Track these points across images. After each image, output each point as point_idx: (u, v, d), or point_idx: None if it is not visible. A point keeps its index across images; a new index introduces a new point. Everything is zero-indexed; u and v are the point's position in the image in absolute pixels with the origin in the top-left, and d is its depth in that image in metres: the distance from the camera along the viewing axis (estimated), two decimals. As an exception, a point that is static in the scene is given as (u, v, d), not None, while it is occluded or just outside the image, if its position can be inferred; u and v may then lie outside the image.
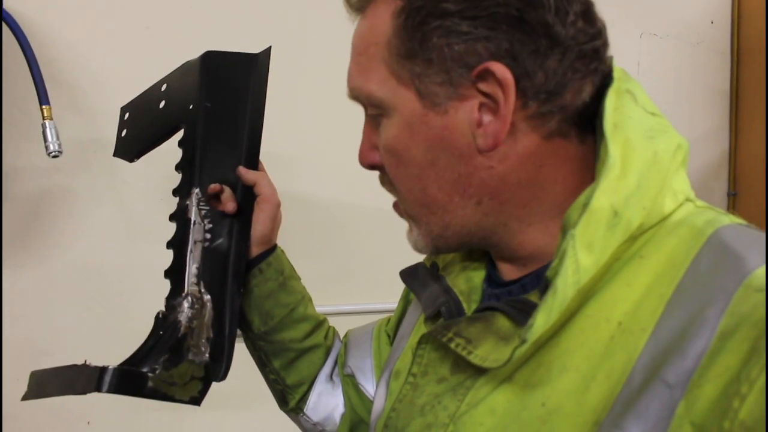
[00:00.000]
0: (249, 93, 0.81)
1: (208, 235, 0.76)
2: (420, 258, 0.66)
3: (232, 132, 0.80)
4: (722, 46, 1.69)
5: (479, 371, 0.51)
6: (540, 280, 0.51)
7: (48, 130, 1.03)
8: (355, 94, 0.55)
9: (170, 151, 0.82)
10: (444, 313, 0.58)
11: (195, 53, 0.84)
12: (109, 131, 0.91)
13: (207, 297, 0.73)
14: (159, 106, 0.85)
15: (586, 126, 0.51)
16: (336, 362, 0.83)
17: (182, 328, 0.71)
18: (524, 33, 0.47)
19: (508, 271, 0.56)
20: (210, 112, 0.80)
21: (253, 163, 0.80)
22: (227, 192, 0.77)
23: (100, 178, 1.22)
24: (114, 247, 1.23)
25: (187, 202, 0.77)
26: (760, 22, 1.62)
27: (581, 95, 0.49)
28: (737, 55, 1.70)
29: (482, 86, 0.48)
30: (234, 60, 0.82)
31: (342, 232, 1.39)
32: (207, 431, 1.31)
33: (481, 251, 0.61)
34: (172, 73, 0.86)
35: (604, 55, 0.51)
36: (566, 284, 0.43)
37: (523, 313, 0.48)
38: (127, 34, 1.22)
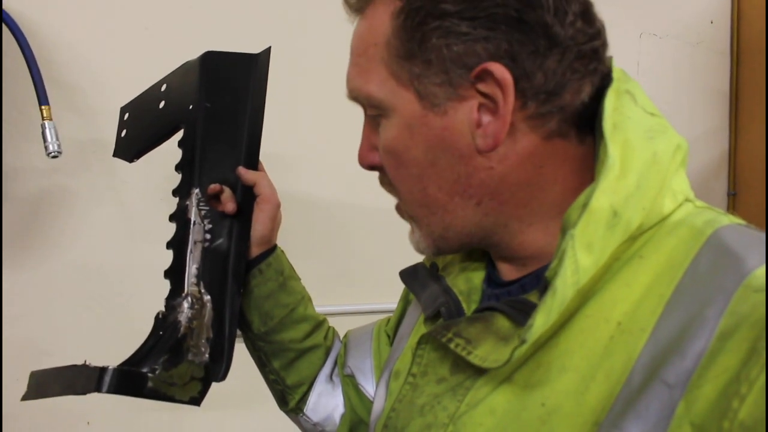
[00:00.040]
0: (249, 93, 0.81)
1: (208, 236, 0.76)
2: (419, 258, 0.66)
3: (232, 132, 0.80)
4: (722, 46, 1.69)
5: (479, 371, 0.51)
6: (539, 281, 0.52)
7: (47, 131, 1.03)
8: (355, 95, 0.55)
9: (170, 151, 0.82)
10: (443, 314, 0.58)
11: (195, 53, 0.84)
12: (108, 131, 0.91)
13: (207, 297, 0.73)
14: (159, 106, 0.85)
15: (586, 126, 0.51)
16: (336, 362, 0.83)
17: (182, 329, 0.71)
18: (523, 33, 0.47)
19: (508, 272, 0.56)
20: (210, 113, 0.80)
21: (253, 164, 0.80)
22: (227, 192, 0.77)
23: (99, 178, 1.21)
24: (114, 248, 1.23)
25: (187, 203, 0.77)
26: (760, 22, 1.62)
27: (580, 95, 0.49)
28: (737, 55, 1.70)
29: (481, 87, 0.48)
30: (234, 60, 0.82)
31: (342, 232, 1.39)
32: (207, 431, 1.31)
33: (480, 251, 0.61)
34: (171, 73, 0.86)
35: (603, 55, 0.51)
36: (565, 284, 0.43)
37: (522, 314, 0.48)
38: (126, 35, 1.22)
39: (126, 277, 1.23)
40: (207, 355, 0.71)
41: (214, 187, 0.77)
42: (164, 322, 0.73)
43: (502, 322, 0.50)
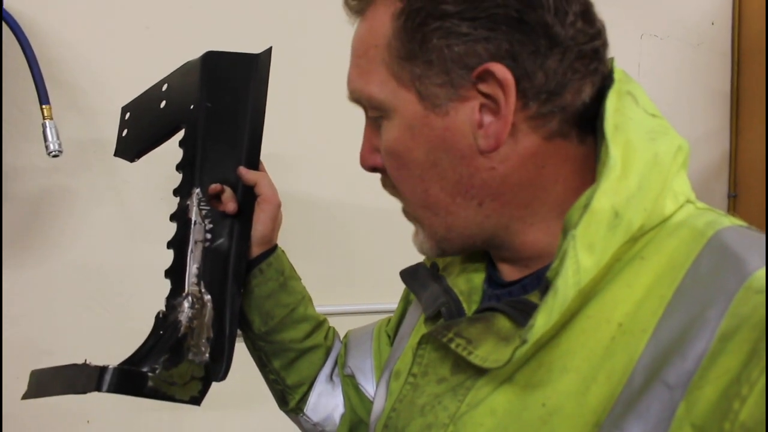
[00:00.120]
0: (250, 93, 0.81)
1: (209, 235, 0.76)
2: (420, 258, 0.66)
3: (233, 132, 0.80)
4: (723, 47, 1.69)
5: (479, 372, 0.51)
6: (540, 281, 0.51)
7: (48, 130, 1.03)
8: (356, 97, 0.55)
9: (171, 151, 0.82)
10: (444, 314, 0.58)
11: (195, 53, 0.84)
12: (109, 131, 0.91)
13: (207, 297, 0.73)
14: (160, 106, 0.85)
15: (586, 127, 0.51)
16: (336, 363, 0.83)
17: (182, 328, 0.71)
18: (524, 34, 0.47)
19: (509, 272, 0.56)
20: (211, 112, 0.80)
21: (254, 164, 0.80)
22: (228, 192, 0.77)
23: (100, 178, 1.22)
24: (114, 247, 1.23)
25: (188, 202, 0.77)
26: (761, 23, 1.62)
27: (581, 96, 0.49)
28: (738, 56, 1.69)
29: (483, 87, 0.48)
30: (235, 60, 0.82)
31: (342, 232, 1.39)
32: (207, 431, 1.31)
33: (481, 252, 0.61)
34: (172, 73, 0.86)
35: (603, 55, 0.51)
36: (567, 285, 0.43)
37: (523, 314, 0.48)
38: (127, 34, 1.22)
39: (126, 277, 1.23)
40: (207, 355, 0.71)
41: (214, 186, 0.77)
42: (165, 322, 0.73)
43: (503, 323, 0.50)
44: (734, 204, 1.70)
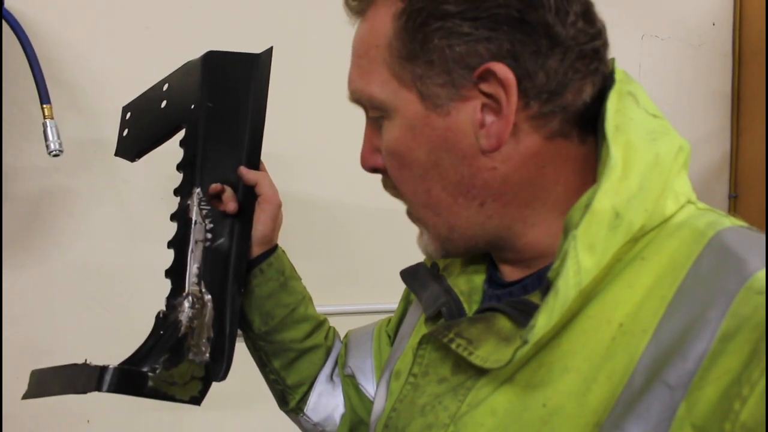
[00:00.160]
0: (250, 93, 0.81)
1: (209, 235, 0.76)
2: (420, 258, 0.65)
3: (234, 132, 0.80)
4: (724, 48, 1.69)
5: (480, 372, 0.51)
6: (541, 281, 0.52)
7: (49, 129, 1.03)
8: (357, 97, 0.55)
9: (171, 150, 0.82)
10: (445, 314, 0.58)
11: (195, 53, 0.84)
12: (109, 131, 0.91)
13: (208, 297, 0.73)
14: (160, 105, 0.85)
15: (587, 127, 0.52)
16: (336, 363, 0.83)
17: (183, 328, 0.71)
18: (525, 33, 0.47)
19: (510, 272, 0.56)
20: (211, 112, 0.80)
21: (255, 163, 0.80)
22: (228, 192, 0.77)
23: (100, 177, 1.21)
24: (114, 247, 1.23)
25: (189, 202, 0.77)
26: (762, 23, 1.62)
27: (582, 95, 0.49)
28: (739, 57, 1.69)
29: (484, 87, 0.48)
30: (235, 60, 0.82)
31: (343, 232, 1.39)
32: (207, 431, 1.31)
33: (482, 252, 0.61)
34: (173, 72, 0.86)
35: (604, 55, 0.51)
36: (568, 285, 0.43)
37: (524, 314, 0.48)
38: (127, 34, 1.22)
39: (127, 277, 1.23)
40: (207, 355, 0.71)
41: (215, 186, 0.77)
42: (165, 322, 0.73)
43: (504, 323, 0.50)
44: (735, 204, 1.70)
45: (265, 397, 0.85)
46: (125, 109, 0.91)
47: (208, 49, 0.83)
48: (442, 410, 0.52)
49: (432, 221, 0.54)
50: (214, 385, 0.71)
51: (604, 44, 0.51)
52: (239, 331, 0.76)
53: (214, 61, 0.82)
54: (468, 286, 0.60)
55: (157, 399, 0.67)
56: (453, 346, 0.51)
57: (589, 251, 0.44)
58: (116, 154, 0.89)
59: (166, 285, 0.75)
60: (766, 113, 1.60)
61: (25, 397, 0.68)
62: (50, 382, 0.67)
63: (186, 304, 0.72)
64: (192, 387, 0.69)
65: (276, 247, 0.80)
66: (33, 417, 1.20)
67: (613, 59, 0.53)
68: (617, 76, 0.51)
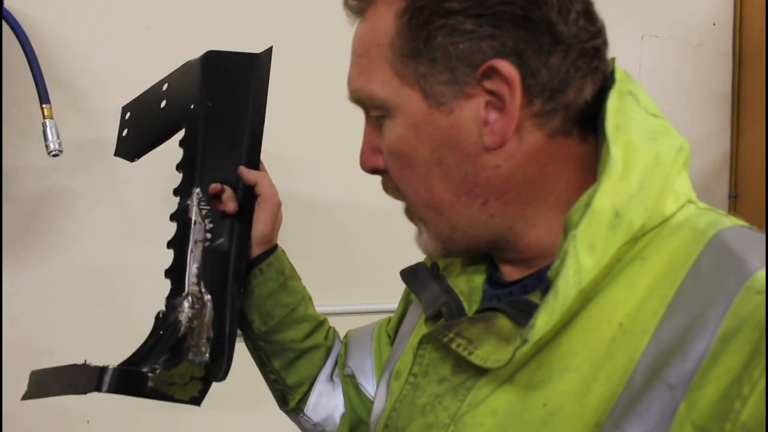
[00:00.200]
0: (250, 93, 0.81)
1: (209, 235, 0.76)
2: (420, 258, 0.65)
3: (233, 132, 0.80)
4: (724, 48, 1.69)
5: (480, 372, 0.51)
6: (541, 281, 0.51)
7: (48, 129, 1.03)
8: (357, 96, 0.55)
9: (171, 150, 0.82)
10: (445, 314, 0.58)
11: (195, 53, 0.84)
12: (109, 131, 0.91)
13: (207, 297, 0.73)
14: (160, 105, 0.85)
15: (587, 126, 0.52)
16: (336, 362, 0.83)
17: (182, 328, 0.71)
18: (528, 31, 0.47)
19: (510, 272, 0.56)
20: (211, 112, 0.80)
21: (254, 163, 0.80)
22: (228, 192, 0.77)
23: (100, 177, 1.21)
24: (114, 247, 1.23)
25: (188, 202, 0.77)
26: (762, 24, 1.62)
27: (583, 94, 0.50)
28: (739, 57, 1.69)
29: (488, 84, 0.48)
30: (235, 60, 0.82)
31: (342, 232, 1.39)
32: (207, 431, 1.31)
33: (482, 252, 0.60)
34: (173, 72, 0.86)
35: (604, 53, 0.51)
36: (568, 285, 0.43)
37: (524, 314, 0.48)
38: (127, 34, 1.22)
39: (126, 277, 1.23)
40: (207, 355, 0.71)
41: (215, 186, 0.77)
42: (165, 322, 0.72)
43: (504, 323, 0.50)
44: (735, 204, 1.70)
45: (265, 397, 0.85)
46: (125, 109, 0.91)
47: (208, 49, 0.83)
48: (442, 410, 0.52)
49: (434, 221, 0.54)
50: (214, 385, 0.71)
51: (604, 43, 0.51)
52: (239, 331, 0.76)
53: (213, 61, 0.82)
54: (468, 285, 0.60)
55: (157, 399, 0.67)
56: (453, 345, 0.51)
57: (589, 251, 0.44)
58: (116, 154, 0.89)
59: (166, 285, 0.75)
60: (766, 113, 1.60)
61: (25, 397, 0.68)
62: (50, 382, 0.67)
63: (186, 305, 0.72)
64: (192, 387, 0.69)
65: (276, 247, 0.80)
66: (33, 417, 1.20)
67: (613, 59, 0.53)
68: (617, 75, 0.51)
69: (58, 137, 1.03)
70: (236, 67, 0.82)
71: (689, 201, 0.50)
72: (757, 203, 1.64)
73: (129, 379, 0.65)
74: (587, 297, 0.47)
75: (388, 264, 0.89)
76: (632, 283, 0.46)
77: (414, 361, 0.58)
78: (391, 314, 0.80)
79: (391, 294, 0.87)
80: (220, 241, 0.76)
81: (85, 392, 0.63)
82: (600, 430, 0.43)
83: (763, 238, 0.44)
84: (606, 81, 0.52)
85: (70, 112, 1.18)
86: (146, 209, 1.23)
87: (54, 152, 1.03)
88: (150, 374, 0.66)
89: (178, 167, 0.80)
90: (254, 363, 0.82)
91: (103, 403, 0.93)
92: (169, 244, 0.77)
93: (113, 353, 0.71)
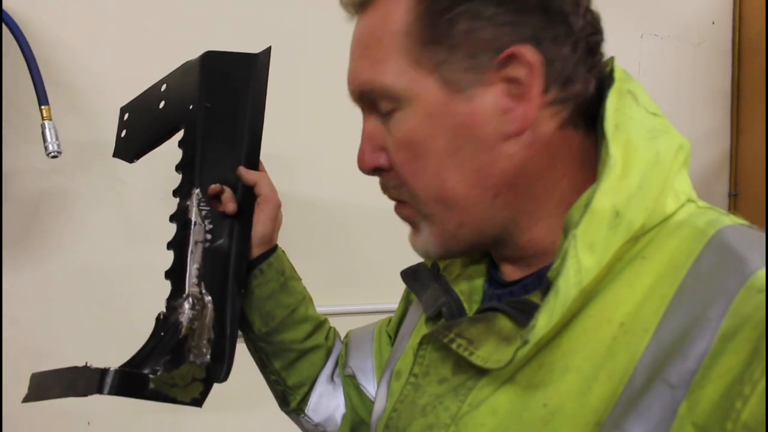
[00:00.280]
0: (249, 93, 0.81)
1: (209, 236, 0.76)
2: (421, 258, 0.65)
3: (232, 132, 0.80)
4: (723, 47, 1.69)
5: (481, 372, 0.51)
6: (541, 281, 0.51)
7: (47, 131, 1.03)
8: (365, 90, 0.53)
9: (170, 151, 0.82)
10: (445, 314, 0.58)
11: (194, 54, 0.84)
12: (108, 132, 0.91)
13: (208, 298, 0.73)
14: (159, 106, 0.85)
15: (590, 123, 0.52)
16: (337, 363, 0.83)
17: (183, 330, 0.71)
18: (545, 20, 0.48)
19: (510, 272, 0.56)
20: (210, 113, 0.80)
21: (254, 164, 0.80)
22: (227, 192, 0.77)
23: (99, 179, 1.21)
24: (114, 248, 1.23)
25: (188, 203, 0.77)
26: (761, 22, 1.62)
27: (588, 86, 0.50)
28: (738, 55, 1.69)
29: (508, 71, 0.48)
30: (234, 60, 0.82)
31: (342, 232, 1.39)
32: (207, 432, 1.32)
33: (482, 251, 0.60)
34: (171, 73, 0.86)
35: (601, 50, 0.52)
36: (568, 285, 0.43)
37: (524, 314, 0.48)
38: (125, 36, 1.22)
39: (126, 278, 1.23)
40: (208, 356, 0.71)
41: (214, 187, 0.77)
42: (165, 323, 0.72)
43: (504, 323, 0.50)
44: (735, 203, 1.70)
45: (266, 398, 0.85)
46: (123, 110, 0.90)
47: (207, 50, 0.83)
48: (443, 410, 0.52)
49: (442, 216, 0.53)
50: (215, 386, 0.71)
51: (602, 39, 0.52)
52: (240, 332, 0.76)
53: (212, 62, 0.82)
54: (468, 285, 0.60)
55: (158, 401, 0.67)
56: (453, 346, 0.51)
57: (590, 250, 0.44)
58: (114, 155, 0.88)
59: (166, 286, 0.75)
60: (766, 111, 1.60)
61: (26, 400, 0.68)
62: (50, 385, 0.67)
63: (186, 306, 0.72)
64: (193, 388, 0.69)
65: (276, 247, 0.79)
66: (33, 419, 1.20)
67: (612, 58, 0.53)
68: (616, 75, 0.51)
69: (57, 139, 1.03)
70: (235, 67, 0.82)
71: (689, 200, 0.50)
72: (757, 201, 1.64)
73: (130, 381, 0.65)
74: (588, 297, 0.46)
75: (388, 264, 0.89)
76: (633, 282, 0.46)
77: (414, 362, 0.58)
78: (392, 314, 0.80)
79: (391, 294, 0.87)
80: (220, 241, 0.76)
81: (86, 394, 0.63)
82: (600, 430, 0.42)
83: (763, 237, 0.44)
84: (605, 80, 0.52)
85: (69, 114, 1.18)
86: (146, 210, 1.23)
87: (53, 154, 1.03)
88: (151, 376, 0.66)
89: (178, 168, 0.80)
90: (255, 364, 0.82)
91: (104, 404, 0.93)
92: (169, 246, 0.77)
93: (113, 354, 0.71)
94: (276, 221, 0.79)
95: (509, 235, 0.53)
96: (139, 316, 0.83)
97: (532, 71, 0.47)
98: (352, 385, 0.79)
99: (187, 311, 0.72)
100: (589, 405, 0.44)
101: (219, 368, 0.71)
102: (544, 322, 0.43)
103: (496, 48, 0.48)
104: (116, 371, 0.64)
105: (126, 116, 0.90)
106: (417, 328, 0.65)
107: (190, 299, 0.73)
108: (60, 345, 1.20)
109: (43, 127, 1.03)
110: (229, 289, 0.74)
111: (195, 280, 0.74)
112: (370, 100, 0.53)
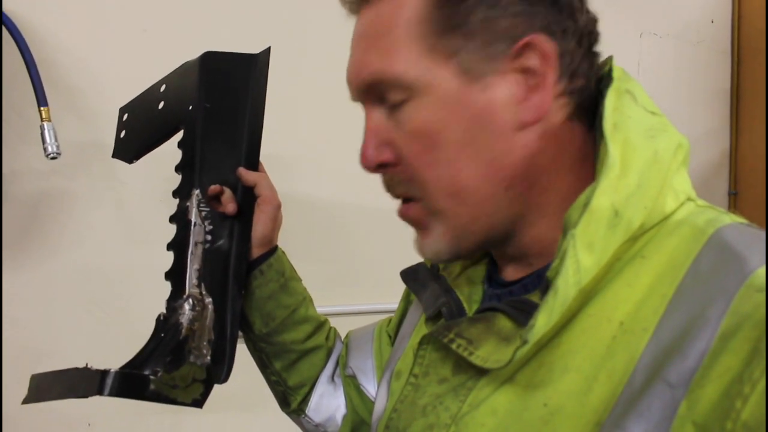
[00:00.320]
0: (248, 93, 0.81)
1: (209, 237, 0.76)
2: (421, 258, 0.65)
3: (232, 133, 0.80)
4: (723, 46, 1.69)
5: (481, 372, 0.51)
6: (541, 280, 0.51)
7: (46, 132, 1.03)
8: (374, 80, 0.52)
9: (170, 152, 0.82)
10: (445, 314, 0.58)
11: (193, 54, 0.84)
12: (107, 133, 0.91)
13: (208, 299, 0.73)
14: (158, 107, 0.85)
15: (589, 121, 0.52)
16: (337, 363, 0.83)
17: (184, 331, 0.71)
18: (556, 13, 0.49)
19: (510, 272, 0.56)
20: (209, 113, 0.80)
21: (253, 164, 0.80)
22: (227, 193, 0.77)
23: (99, 179, 1.21)
24: (114, 249, 1.23)
25: (188, 204, 0.77)
26: (761, 21, 1.62)
27: (590, 83, 0.51)
28: (738, 54, 1.69)
29: (523, 60, 0.48)
30: (233, 60, 0.82)
31: (342, 232, 1.39)
32: (208, 433, 1.31)
33: (482, 251, 0.60)
34: (171, 73, 0.86)
35: (597, 49, 0.53)
36: (567, 284, 0.43)
37: (524, 314, 0.48)
38: (124, 37, 1.22)
39: (126, 279, 1.23)
40: (209, 357, 0.70)
41: (214, 188, 0.77)
42: (165, 324, 0.72)
43: (504, 323, 0.50)
44: (735, 201, 1.70)
45: (266, 398, 0.85)
46: (122, 111, 0.90)
47: (206, 50, 0.83)
48: (443, 410, 0.52)
49: (454, 211, 0.51)
50: (216, 387, 0.71)
51: (599, 39, 0.53)
52: (240, 333, 0.76)
53: (211, 62, 0.82)
54: (468, 285, 0.60)
55: (159, 402, 0.67)
56: (453, 346, 0.51)
57: (589, 250, 0.44)
58: (114, 156, 0.88)
59: (166, 286, 0.75)
60: (765, 110, 1.60)
61: (25, 401, 0.68)
62: (51, 386, 0.67)
63: (186, 307, 0.72)
64: (194, 390, 0.69)
65: (276, 248, 0.79)
66: (33, 421, 1.19)
67: (610, 57, 0.54)
68: (615, 74, 0.51)
69: (56, 140, 1.03)
70: (234, 67, 0.82)
71: (689, 198, 0.50)
72: (756, 200, 1.64)
73: (131, 382, 0.65)
74: (587, 296, 0.46)
75: (388, 264, 0.88)
76: (632, 281, 0.46)
77: (414, 362, 0.58)
78: (392, 314, 0.80)
79: (391, 294, 0.87)
80: (220, 242, 0.76)
81: (86, 396, 0.63)
82: (600, 430, 0.42)
83: (762, 236, 0.44)
84: (603, 79, 0.52)
85: (68, 115, 1.18)
86: (145, 211, 1.23)
87: (52, 155, 1.03)
88: (152, 377, 0.66)
89: (177, 169, 0.80)
90: (255, 364, 0.82)
91: (104, 406, 0.93)
92: (169, 246, 0.77)
93: (113, 355, 0.71)
94: (276, 222, 0.79)
95: (514, 232, 0.53)
96: (139, 316, 0.83)
97: (546, 60, 0.48)
98: (352, 386, 0.79)
99: (187, 312, 0.72)
100: (589, 405, 0.44)
101: (219, 369, 0.71)
102: (543, 321, 0.43)
103: (513, 37, 0.48)
104: (117, 372, 0.64)
105: (125, 117, 0.90)
106: (417, 328, 0.65)
107: (191, 300, 0.73)
108: (60, 345, 1.20)
109: (42, 128, 1.03)
110: (230, 290, 0.74)
111: (195, 281, 0.74)
112: (379, 92, 0.52)
